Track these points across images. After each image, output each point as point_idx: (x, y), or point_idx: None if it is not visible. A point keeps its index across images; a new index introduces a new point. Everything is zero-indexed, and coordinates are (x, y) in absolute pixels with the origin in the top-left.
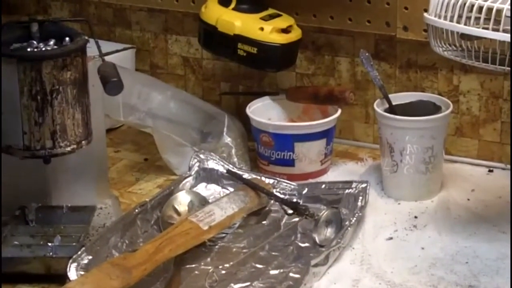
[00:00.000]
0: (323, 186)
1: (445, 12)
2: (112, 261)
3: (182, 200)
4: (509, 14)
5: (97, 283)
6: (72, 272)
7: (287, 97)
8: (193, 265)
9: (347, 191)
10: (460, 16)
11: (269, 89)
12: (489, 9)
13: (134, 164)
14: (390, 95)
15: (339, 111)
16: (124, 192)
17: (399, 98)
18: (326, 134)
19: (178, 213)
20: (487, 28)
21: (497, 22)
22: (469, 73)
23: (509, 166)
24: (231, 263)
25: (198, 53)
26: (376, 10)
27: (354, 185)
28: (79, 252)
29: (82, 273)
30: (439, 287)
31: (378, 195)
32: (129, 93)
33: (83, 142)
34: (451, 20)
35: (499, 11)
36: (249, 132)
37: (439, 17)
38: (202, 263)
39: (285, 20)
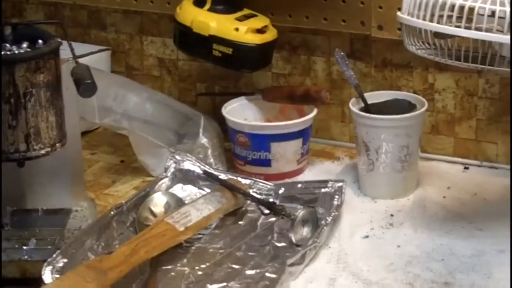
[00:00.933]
0: (299, 185)
1: (418, 10)
2: (88, 263)
3: (158, 202)
4: (482, 12)
5: (72, 286)
6: (47, 276)
7: (263, 97)
8: (169, 267)
9: (323, 190)
10: (432, 15)
11: (245, 89)
12: (461, 8)
13: (110, 166)
14: (365, 94)
15: (315, 110)
16: (100, 194)
17: (374, 96)
18: (302, 134)
19: (154, 215)
20: (459, 26)
21: (469, 20)
22: (444, 72)
23: (484, 164)
24: (208, 264)
25: (174, 54)
26: (351, 10)
27: (330, 184)
28: (54, 255)
29: (57, 276)
30: (415, 284)
31: (354, 193)
32: (104, 95)
33: (57, 144)
34: (424, 19)
35: (471, 9)
36: (225, 132)
37: (412, 16)
38: (179, 264)
39: (260, 21)
